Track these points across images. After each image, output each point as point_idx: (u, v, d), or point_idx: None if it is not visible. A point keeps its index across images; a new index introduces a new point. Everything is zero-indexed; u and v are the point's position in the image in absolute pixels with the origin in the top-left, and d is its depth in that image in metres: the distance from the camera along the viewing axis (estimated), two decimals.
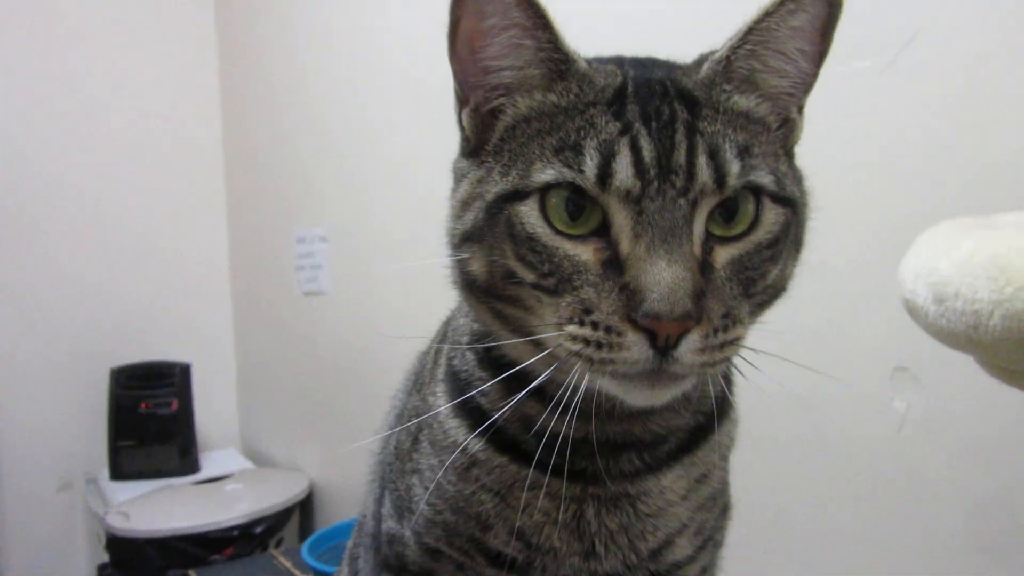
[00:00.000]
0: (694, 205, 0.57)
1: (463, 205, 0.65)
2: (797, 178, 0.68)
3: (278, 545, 2.54)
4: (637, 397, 0.60)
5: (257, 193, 3.13)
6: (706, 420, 0.74)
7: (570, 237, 0.58)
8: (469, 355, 0.73)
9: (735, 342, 0.58)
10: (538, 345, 0.61)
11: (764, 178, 0.60)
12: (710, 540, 0.78)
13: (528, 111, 0.63)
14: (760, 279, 0.62)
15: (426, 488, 0.74)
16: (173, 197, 3.27)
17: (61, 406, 3.04)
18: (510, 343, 0.65)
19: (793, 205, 0.63)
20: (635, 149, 0.57)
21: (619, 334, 0.55)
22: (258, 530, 2.50)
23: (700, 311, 0.55)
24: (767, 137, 0.64)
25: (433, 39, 2.28)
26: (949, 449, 1.06)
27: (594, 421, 0.66)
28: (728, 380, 0.75)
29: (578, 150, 0.58)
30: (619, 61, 0.67)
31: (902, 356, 1.09)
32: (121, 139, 3.15)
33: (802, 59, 0.64)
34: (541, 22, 0.60)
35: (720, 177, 0.58)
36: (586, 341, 0.56)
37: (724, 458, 0.79)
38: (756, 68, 0.64)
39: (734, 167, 0.58)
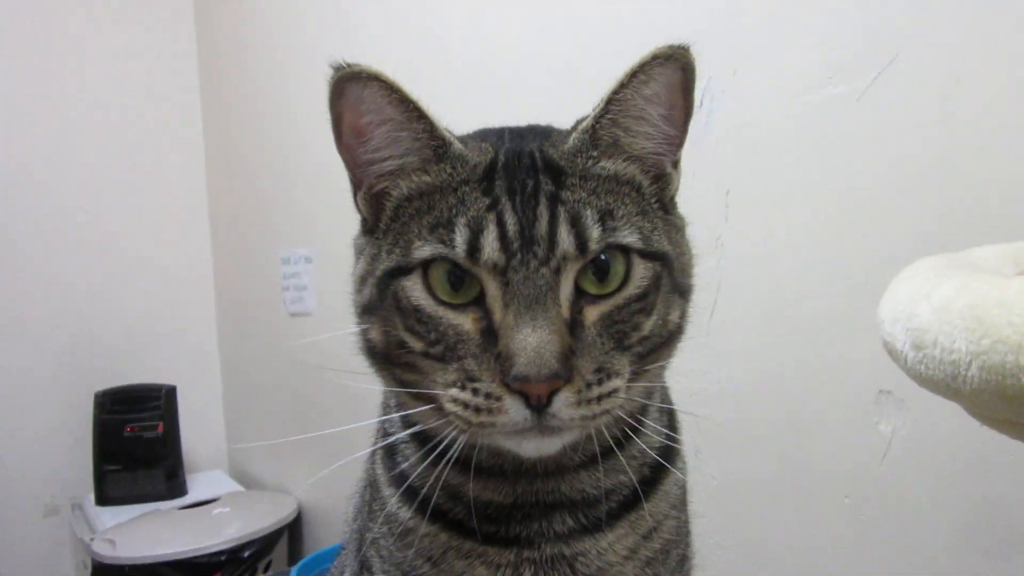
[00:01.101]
0: (558, 271, 0.61)
1: (361, 280, 0.69)
2: (675, 227, 0.72)
3: (266, 569, 2.52)
4: (527, 448, 0.63)
5: (241, 214, 3.11)
6: (651, 473, 0.74)
7: (452, 307, 0.62)
8: (396, 419, 0.76)
9: (612, 394, 0.61)
10: (439, 409, 0.63)
11: (628, 238, 0.64)
12: None
13: (409, 192, 0.67)
14: (633, 331, 0.64)
15: (381, 558, 0.76)
16: (156, 218, 3.26)
17: (45, 431, 3.01)
18: (415, 410, 0.67)
19: (663, 258, 0.66)
20: (500, 223, 0.61)
21: (497, 399, 0.59)
22: (246, 554, 2.47)
23: (568, 370, 0.58)
24: (636, 196, 0.68)
25: (422, 63, 2.28)
26: (935, 472, 1.06)
27: (517, 483, 0.70)
28: (673, 429, 0.77)
29: (450, 227, 0.62)
30: (500, 133, 0.72)
31: (886, 379, 1.09)
32: (102, 161, 3.14)
33: (664, 123, 0.68)
34: (415, 114, 0.65)
35: (582, 243, 0.61)
36: (465, 405, 0.60)
37: (677, 507, 0.78)
38: (619, 135, 0.67)
39: (594, 232, 0.62)
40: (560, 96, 1.56)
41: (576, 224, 0.62)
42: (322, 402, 2.60)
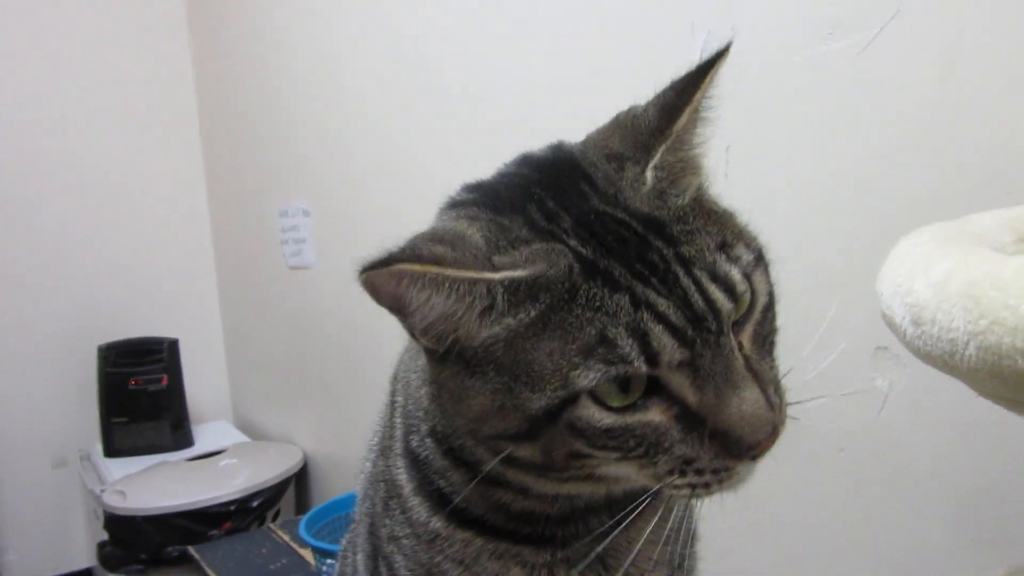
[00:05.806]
0: (727, 332, 0.57)
1: (486, 414, 0.59)
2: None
3: (275, 518, 2.57)
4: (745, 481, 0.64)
5: (237, 167, 3.09)
6: None
7: (634, 408, 0.57)
8: (429, 442, 0.71)
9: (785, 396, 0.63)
10: (600, 480, 0.62)
11: (747, 256, 0.60)
12: (680, 568, 0.79)
13: (496, 335, 0.58)
14: (774, 332, 0.65)
15: (405, 556, 0.75)
16: (152, 172, 3.25)
17: (51, 384, 3.05)
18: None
19: (761, 253, 0.64)
20: (660, 318, 0.55)
21: (727, 470, 0.59)
22: (255, 504, 2.53)
23: (775, 407, 0.59)
24: (713, 205, 0.64)
25: (421, 9, 2.23)
26: (931, 428, 1.08)
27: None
28: None
29: (610, 344, 0.54)
30: (527, 191, 0.62)
31: (884, 336, 1.09)
32: (98, 116, 3.12)
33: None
34: (468, 285, 0.56)
35: (732, 294, 0.57)
36: (693, 486, 0.59)
37: None
38: (684, 157, 0.64)
39: (734, 275, 0.58)
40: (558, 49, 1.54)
41: (717, 278, 0.57)
42: (324, 355, 2.62)
